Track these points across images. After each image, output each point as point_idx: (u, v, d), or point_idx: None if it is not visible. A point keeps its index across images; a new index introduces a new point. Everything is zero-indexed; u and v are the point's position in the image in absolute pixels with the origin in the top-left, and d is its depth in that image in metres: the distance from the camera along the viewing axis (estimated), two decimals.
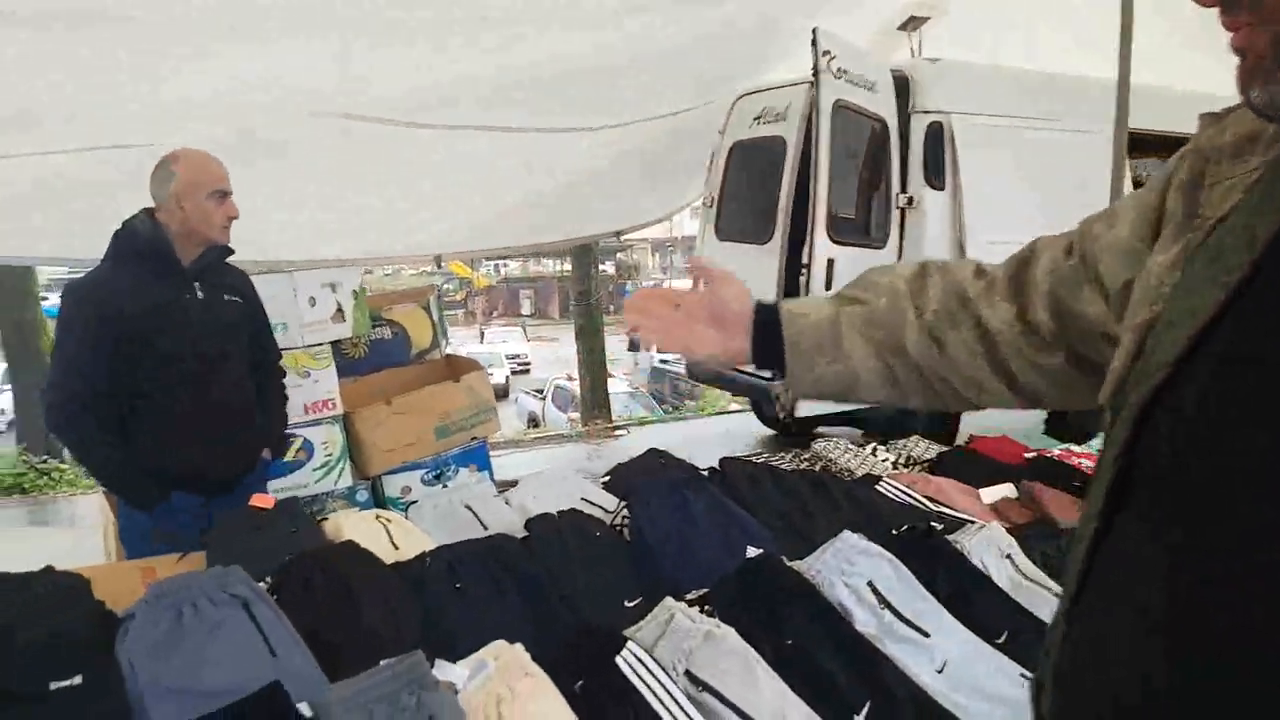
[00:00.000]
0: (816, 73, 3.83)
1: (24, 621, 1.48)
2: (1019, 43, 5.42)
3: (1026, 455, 3.05)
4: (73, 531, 3.84)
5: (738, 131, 5.37)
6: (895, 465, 3.00)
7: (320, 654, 1.50)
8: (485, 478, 3.30)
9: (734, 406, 8.94)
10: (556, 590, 1.77)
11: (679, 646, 1.56)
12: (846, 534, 1.85)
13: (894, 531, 2.07)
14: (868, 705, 1.57)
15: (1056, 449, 3.08)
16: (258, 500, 2.06)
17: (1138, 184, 6.53)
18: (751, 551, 1.96)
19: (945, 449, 3.10)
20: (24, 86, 2.77)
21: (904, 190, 4.49)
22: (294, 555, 1.71)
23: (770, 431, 6.53)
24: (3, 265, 6.55)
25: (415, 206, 4.55)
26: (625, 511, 2.07)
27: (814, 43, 3.83)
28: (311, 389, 2.83)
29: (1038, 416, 4.52)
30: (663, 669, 1.51)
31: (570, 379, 15.26)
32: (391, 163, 4.07)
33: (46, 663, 1.41)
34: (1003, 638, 1.78)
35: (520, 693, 1.41)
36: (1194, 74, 5.90)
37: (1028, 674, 1.66)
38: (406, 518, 2.16)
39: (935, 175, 4.52)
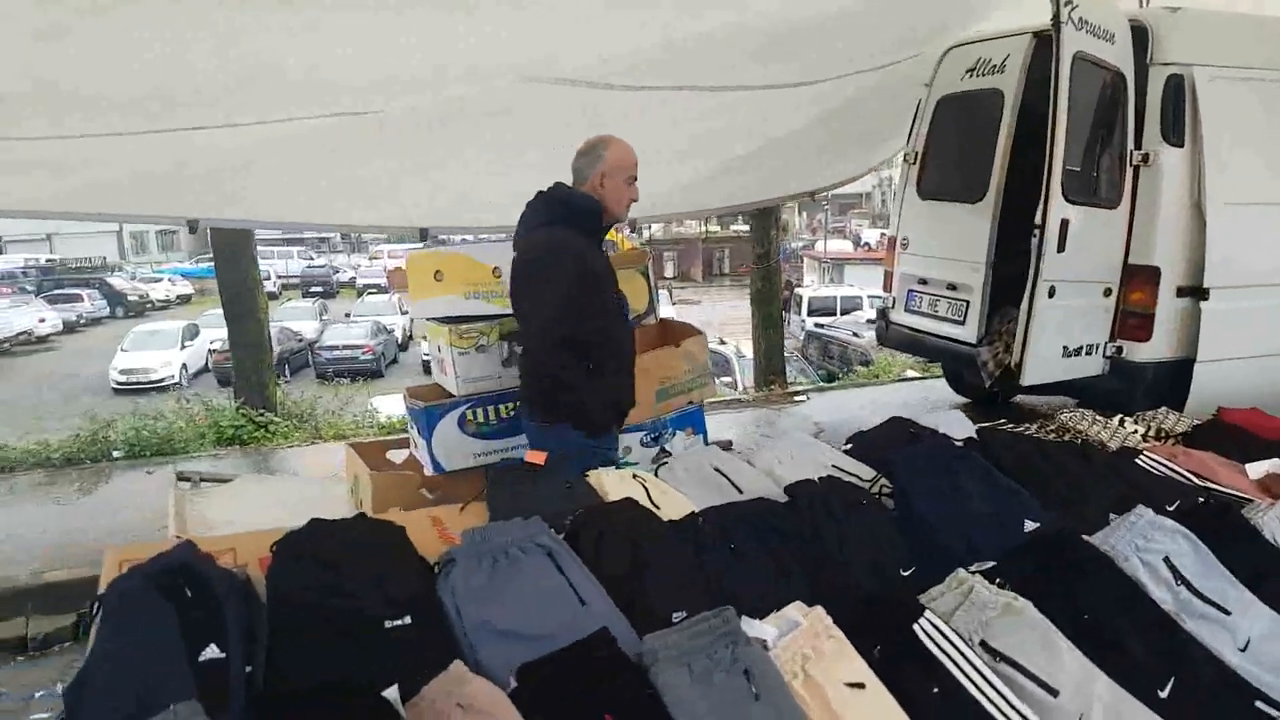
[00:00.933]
0: (1058, 23, 3.58)
1: (350, 565, 1.59)
2: None
3: None
4: (315, 484, 4.15)
5: (946, 85, 5.13)
6: (1145, 438, 2.83)
7: (619, 604, 1.57)
8: (700, 440, 3.35)
9: (910, 373, 8.67)
10: (829, 556, 1.77)
11: (976, 618, 1.54)
12: (1141, 509, 1.77)
13: (1174, 508, 1.98)
14: (1172, 681, 1.50)
15: None
16: (532, 456, 2.17)
17: None
18: (1029, 525, 1.90)
19: (1199, 421, 2.90)
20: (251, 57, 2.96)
21: (1139, 147, 4.17)
22: (580, 510, 1.79)
23: (964, 399, 6.30)
24: (226, 229, 7.10)
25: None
26: (885, 480, 2.05)
27: None
28: None
29: (1271, 389, 4.14)
30: (962, 639, 1.49)
31: (723, 343, 14.98)
32: (589, 127, 4.13)
33: (378, 603, 1.53)
34: None
35: (825, 652, 1.43)
36: None
37: None
38: (658, 477, 2.22)
39: (1174, 132, 4.17)
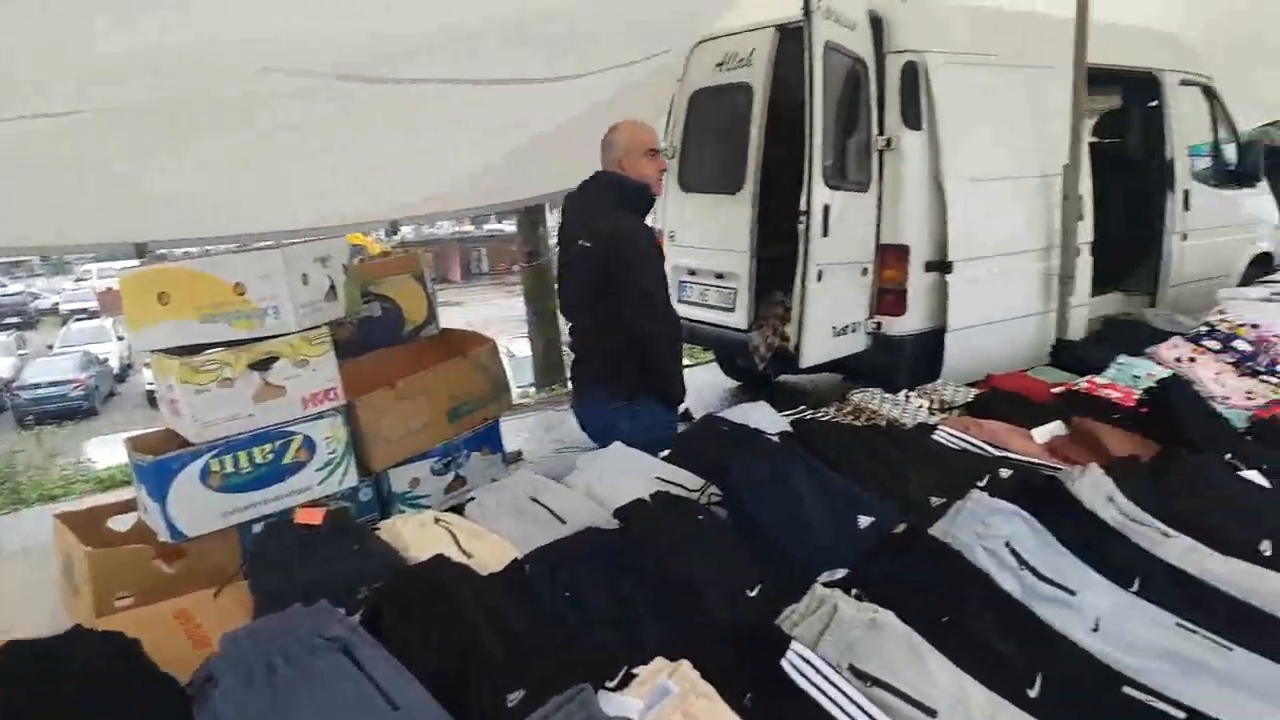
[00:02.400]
0: (809, 12, 3.64)
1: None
2: None
3: (1055, 390, 2.99)
4: (18, 567, 3.38)
5: (698, 79, 5.14)
6: (931, 411, 2.90)
7: (440, 697, 1.27)
8: (498, 460, 3.06)
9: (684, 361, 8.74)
10: (676, 587, 1.57)
11: (842, 639, 1.40)
12: (976, 493, 1.72)
13: (985, 484, 1.97)
14: (1039, 677, 1.44)
15: (1081, 381, 3.02)
16: (305, 516, 1.78)
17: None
18: (864, 521, 1.81)
19: (978, 391, 3.01)
20: None
21: (882, 132, 4.37)
22: (378, 581, 1.46)
23: (735, 383, 6.42)
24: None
25: (369, 169, 4.19)
26: (714, 489, 1.88)
27: None
28: (310, 379, 2.49)
29: (1030, 352, 4.51)
30: (832, 668, 1.34)
31: None
32: (338, 122, 3.71)
33: None
34: (1135, 585, 1.68)
35: (698, 717, 1.22)
36: (1145, 7, 5.98)
37: (1185, 623, 1.56)
38: (464, 515, 1.93)
39: (912, 116, 4.40)
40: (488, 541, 1.75)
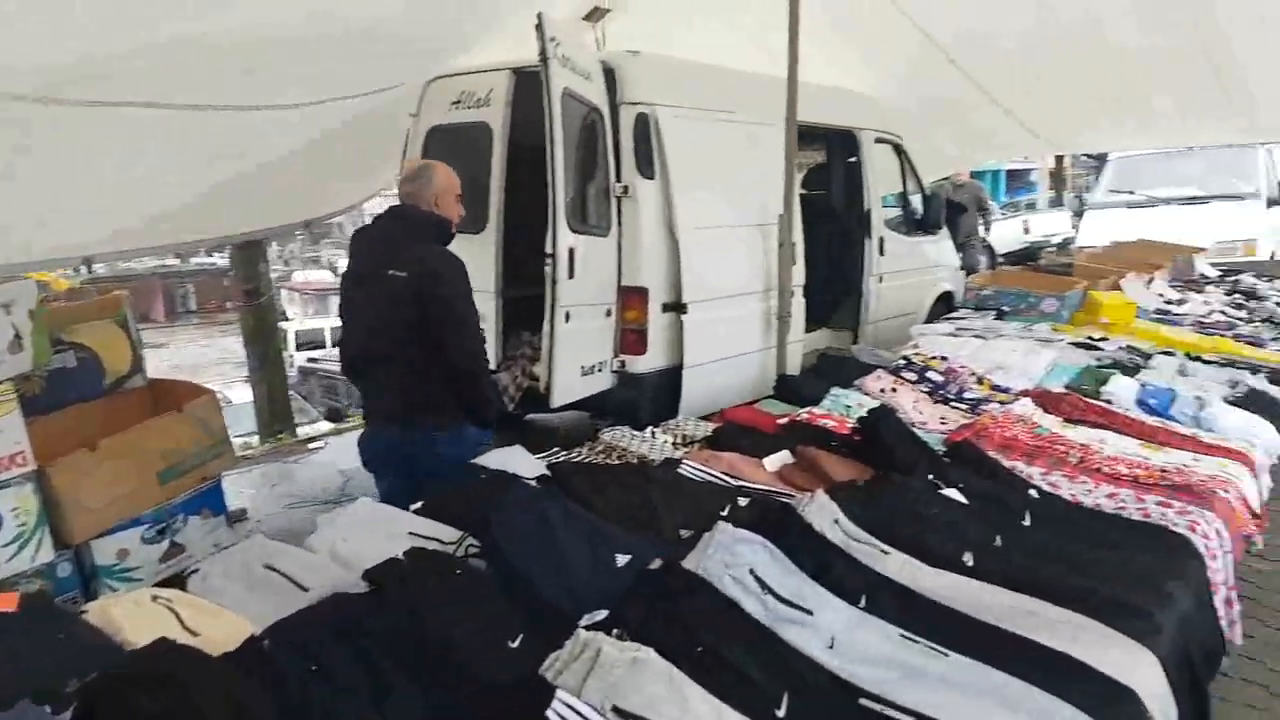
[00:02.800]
0: (545, 59, 3.71)
1: None
2: (693, 40, 5.74)
3: (780, 421, 3.23)
4: None
5: (434, 116, 5.07)
6: (675, 446, 3.03)
7: None
8: (221, 522, 2.79)
9: None
10: (434, 650, 1.51)
11: (605, 681, 1.41)
12: (722, 524, 1.81)
13: (727, 513, 2.08)
14: (786, 696, 1.53)
15: (802, 412, 3.29)
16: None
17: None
18: (621, 559, 1.84)
19: (716, 424, 3.18)
20: None
21: (619, 179, 4.55)
22: (89, 673, 1.28)
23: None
24: None
25: (57, 200, 3.71)
26: (472, 540, 1.84)
27: (539, 28, 3.70)
28: None
29: (755, 385, 4.85)
30: (596, 711, 1.35)
31: None
32: (28, 149, 3.28)
33: None
34: (863, 601, 1.85)
35: None
36: (845, 70, 6.69)
37: (907, 634, 1.73)
38: (187, 590, 1.74)
39: (646, 165, 4.62)
40: (217, 618, 1.59)
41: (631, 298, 4.71)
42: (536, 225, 4.11)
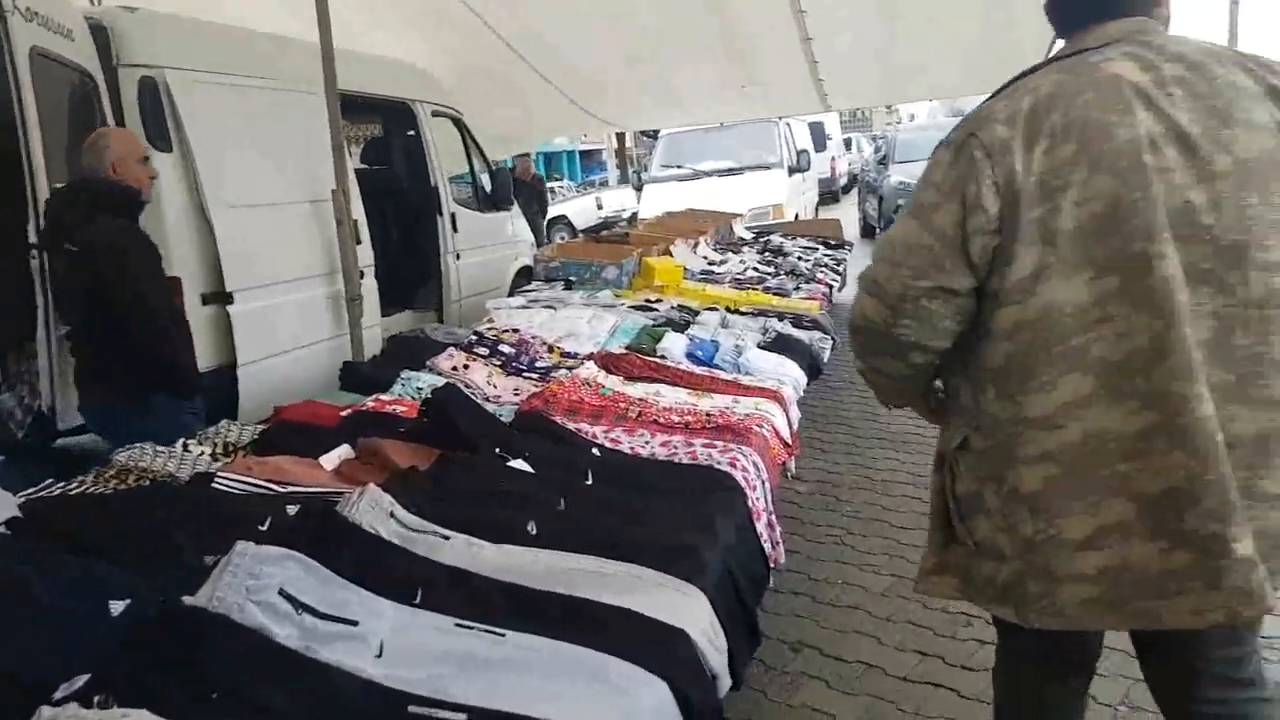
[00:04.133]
0: (2, 14, 3.01)
1: None
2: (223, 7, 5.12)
3: (344, 413, 2.96)
4: None
5: None
6: (215, 456, 2.62)
7: None
8: None
9: None
10: None
11: None
12: (242, 545, 1.53)
13: (268, 526, 1.81)
14: None
15: (368, 401, 3.06)
16: None
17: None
18: (116, 606, 1.49)
19: (264, 426, 2.83)
20: None
21: None
22: None
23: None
24: None
25: None
26: None
27: None
28: None
29: (328, 377, 4.46)
30: None
31: None
32: None
33: None
34: (418, 597, 1.69)
35: None
36: (396, 42, 6.41)
37: (462, 621, 1.61)
38: None
39: (159, 136, 3.99)
40: None
41: None
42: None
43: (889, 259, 1.55)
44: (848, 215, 14.30)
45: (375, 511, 1.88)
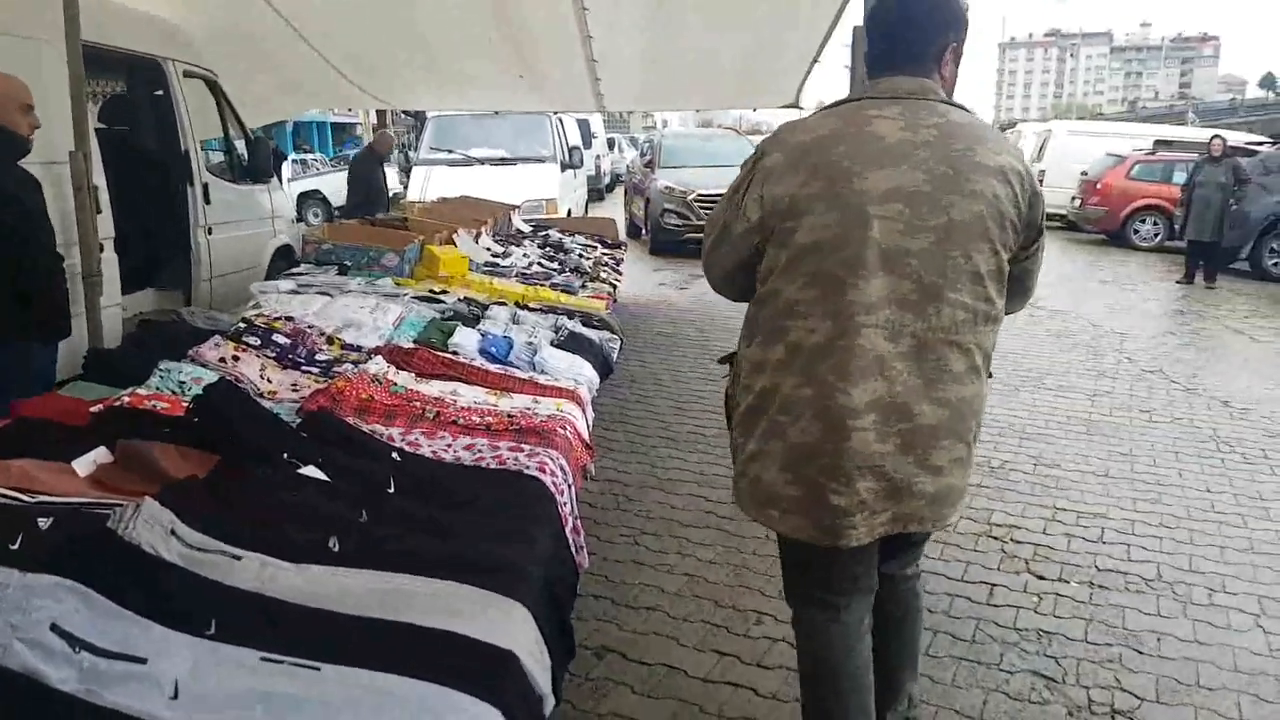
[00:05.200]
0: None
1: None
2: None
3: (94, 410, 2.61)
4: None
5: None
6: None
7: None
8: None
9: None
10: None
11: None
12: (3, 572, 1.30)
13: (27, 539, 1.55)
14: None
15: (124, 395, 2.71)
16: None
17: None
18: None
19: (1, 424, 2.42)
20: None
21: None
22: None
23: None
24: None
25: None
26: None
27: None
28: None
29: (63, 365, 3.90)
30: None
31: None
32: None
33: None
34: (212, 628, 1.53)
35: None
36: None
37: (269, 655, 1.47)
38: None
39: None
40: None
41: None
42: None
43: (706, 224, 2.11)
44: (614, 214, 14.63)
45: (153, 530, 1.67)
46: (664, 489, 4.30)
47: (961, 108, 1.89)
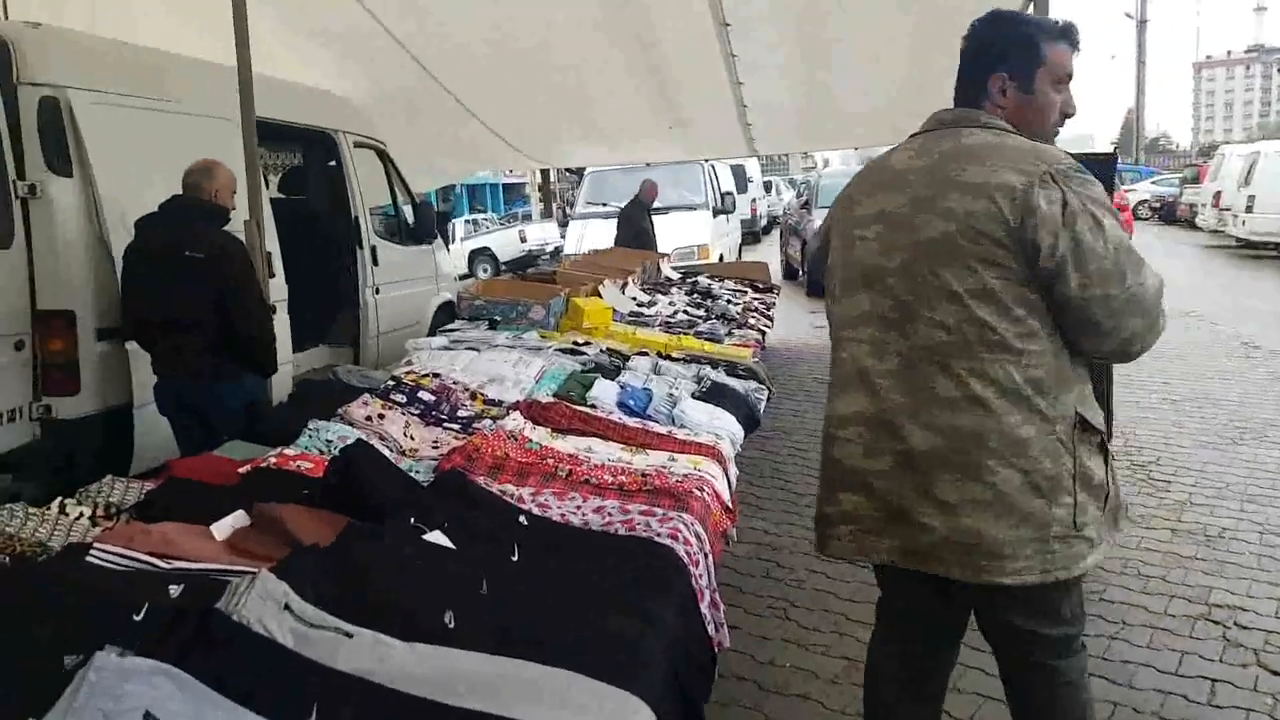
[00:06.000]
0: None
1: None
2: (119, 18, 4.84)
3: (241, 471, 2.69)
4: None
5: None
6: (95, 520, 2.33)
7: None
8: None
9: None
10: None
11: None
12: (101, 657, 1.28)
13: (143, 616, 1.56)
14: None
15: (271, 455, 2.79)
16: None
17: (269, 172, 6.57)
18: None
19: (153, 486, 2.53)
20: None
21: (23, 177, 3.60)
22: None
23: None
24: None
25: None
26: None
27: None
28: None
29: None
30: None
31: None
32: None
33: None
34: (314, 715, 1.46)
35: None
36: (308, 66, 6.16)
37: None
38: None
39: (59, 159, 3.74)
40: None
41: (53, 324, 3.80)
42: None
43: None
44: (770, 257, 14.42)
45: (266, 604, 1.63)
46: (819, 555, 4.00)
47: (1004, 129, 1.89)
